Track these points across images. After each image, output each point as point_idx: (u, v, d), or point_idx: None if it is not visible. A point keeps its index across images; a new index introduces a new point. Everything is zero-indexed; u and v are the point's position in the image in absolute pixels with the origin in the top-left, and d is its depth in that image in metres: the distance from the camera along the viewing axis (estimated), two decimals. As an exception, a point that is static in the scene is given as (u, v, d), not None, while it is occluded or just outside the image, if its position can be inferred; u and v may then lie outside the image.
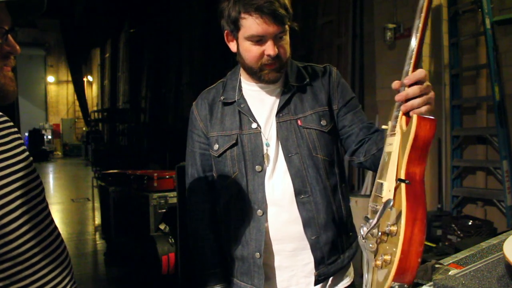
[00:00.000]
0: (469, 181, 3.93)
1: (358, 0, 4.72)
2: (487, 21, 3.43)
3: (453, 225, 3.52)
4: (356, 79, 4.74)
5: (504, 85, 3.52)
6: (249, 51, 1.15)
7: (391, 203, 0.78)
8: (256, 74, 1.18)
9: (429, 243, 3.66)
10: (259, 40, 1.12)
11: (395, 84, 0.89)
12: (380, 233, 0.83)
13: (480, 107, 3.81)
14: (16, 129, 0.86)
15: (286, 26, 1.15)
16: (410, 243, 0.75)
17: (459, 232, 3.47)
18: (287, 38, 1.17)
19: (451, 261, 0.96)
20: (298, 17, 5.35)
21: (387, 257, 0.78)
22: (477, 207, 3.80)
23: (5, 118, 0.85)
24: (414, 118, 0.80)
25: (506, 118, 3.48)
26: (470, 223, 3.48)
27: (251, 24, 1.10)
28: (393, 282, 0.77)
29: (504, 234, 1.19)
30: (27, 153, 0.87)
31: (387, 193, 0.84)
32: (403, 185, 0.79)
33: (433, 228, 3.76)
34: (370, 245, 0.85)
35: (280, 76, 1.19)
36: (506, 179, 3.41)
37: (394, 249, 0.77)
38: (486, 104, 3.74)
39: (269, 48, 1.12)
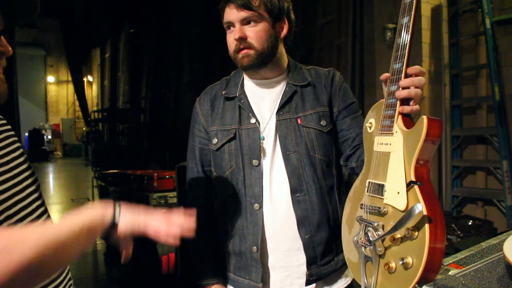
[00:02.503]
0: (469, 181, 3.93)
1: (358, 0, 4.71)
2: (487, 21, 3.43)
3: (453, 225, 3.52)
4: (356, 79, 4.74)
5: (504, 85, 3.52)
6: (227, 40, 1.21)
7: (421, 208, 0.77)
8: (236, 62, 1.22)
9: (429, 243, 3.65)
10: (229, 27, 1.20)
11: (384, 76, 0.92)
12: (392, 237, 0.82)
13: (480, 107, 3.81)
14: (9, 127, 0.86)
15: (260, 13, 1.16)
16: (434, 245, 0.75)
17: (459, 232, 3.47)
18: (261, 24, 1.17)
19: (451, 261, 0.96)
20: (298, 17, 5.35)
21: (409, 260, 0.77)
22: (477, 207, 3.80)
23: (2, 120, 0.85)
24: (424, 119, 0.80)
25: (506, 118, 3.48)
26: (470, 223, 3.48)
27: (224, 13, 1.19)
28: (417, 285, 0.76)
29: (504, 234, 1.19)
30: (21, 150, 0.87)
31: (395, 195, 0.83)
32: (416, 187, 0.79)
33: (433, 228, 3.76)
34: (379, 249, 0.84)
35: (257, 62, 1.19)
36: (506, 179, 3.41)
37: (413, 252, 0.77)
38: (486, 104, 3.74)
39: (235, 33, 1.18)
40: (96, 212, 0.76)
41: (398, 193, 0.82)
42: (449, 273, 0.87)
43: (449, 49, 3.91)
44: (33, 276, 0.62)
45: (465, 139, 3.91)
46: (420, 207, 0.77)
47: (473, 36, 3.78)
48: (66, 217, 0.71)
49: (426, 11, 3.90)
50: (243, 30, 1.16)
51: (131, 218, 0.81)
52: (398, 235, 0.80)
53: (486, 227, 3.47)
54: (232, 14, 1.16)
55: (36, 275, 0.63)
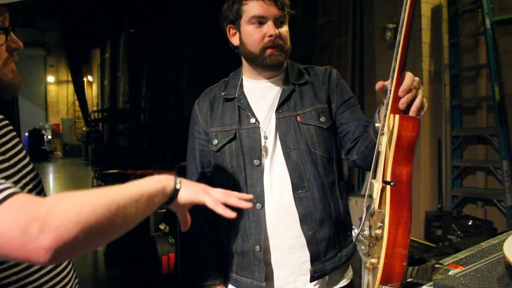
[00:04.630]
0: (469, 181, 3.93)
1: (358, 0, 4.71)
2: (487, 21, 3.43)
3: (453, 225, 3.52)
4: (356, 79, 4.74)
5: (504, 85, 3.52)
6: (251, 35, 1.18)
7: (371, 207, 0.77)
8: (258, 59, 1.20)
9: (429, 243, 3.65)
10: (260, 22, 1.17)
11: (379, 85, 0.89)
12: (370, 236, 0.82)
13: (480, 107, 3.81)
14: (12, 127, 0.87)
15: (286, 15, 1.19)
16: (393, 247, 0.74)
17: (459, 232, 3.47)
18: (286, 27, 1.20)
19: (451, 261, 0.96)
20: (298, 17, 5.35)
21: (374, 260, 0.78)
22: (477, 207, 3.80)
23: (1, 116, 0.86)
24: (396, 118, 0.79)
25: (506, 118, 3.48)
26: (470, 223, 3.48)
27: (252, 6, 1.16)
28: (381, 286, 0.76)
29: (504, 234, 1.19)
30: (25, 151, 0.87)
31: (375, 195, 0.83)
32: (388, 187, 0.78)
33: (433, 228, 3.76)
34: (362, 247, 0.84)
35: (282, 61, 1.21)
36: (506, 179, 3.41)
37: (377, 253, 0.77)
38: (486, 104, 3.74)
39: (270, 29, 1.16)
40: (158, 180, 0.79)
41: (377, 193, 0.82)
42: (449, 273, 0.87)
43: (449, 49, 3.91)
44: (93, 237, 0.63)
45: (465, 139, 3.91)
46: (371, 207, 0.78)
47: (473, 36, 3.78)
48: (128, 184, 0.73)
49: (426, 11, 3.90)
50: (277, 29, 1.17)
51: (192, 187, 0.85)
52: (373, 235, 0.80)
53: (486, 227, 3.47)
54: (268, 9, 1.15)
55: (96, 235, 0.63)
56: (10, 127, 0.86)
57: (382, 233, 0.76)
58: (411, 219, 0.77)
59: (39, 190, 0.87)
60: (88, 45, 16.03)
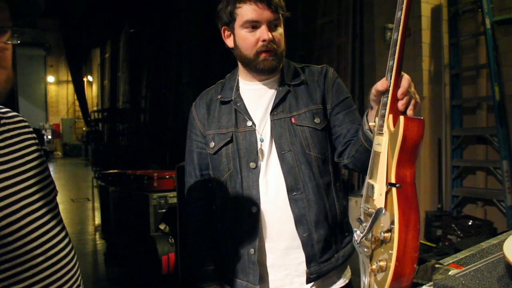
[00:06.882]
0: (469, 181, 3.93)
1: (358, 0, 4.72)
2: (487, 21, 3.43)
3: (453, 225, 3.52)
4: (356, 79, 4.74)
5: (504, 85, 3.52)
6: (245, 39, 1.18)
7: (383, 211, 0.76)
8: (252, 63, 1.20)
9: (429, 243, 3.66)
10: (253, 26, 1.16)
11: (386, 85, 0.86)
12: (374, 238, 0.81)
13: (480, 107, 3.81)
14: (30, 129, 0.87)
15: (281, 18, 1.19)
16: (404, 250, 0.74)
17: (459, 232, 3.47)
18: (281, 29, 1.20)
19: (451, 261, 0.96)
20: (298, 17, 5.35)
21: (383, 263, 0.77)
22: (477, 207, 3.80)
23: (20, 118, 0.85)
24: (401, 119, 0.78)
25: (506, 118, 3.48)
26: (470, 223, 3.48)
27: (246, 10, 1.16)
28: None
29: (504, 234, 1.19)
30: (38, 153, 0.87)
31: (378, 197, 0.82)
32: (394, 189, 0.77)
33: (433, 228, 3.76)
34: (365, 249, 0.83)
35: (276, 65, 1.20)
36: (506, 179, 3.41)
37: (388, 255, 0.76)
38: (486, 104, 3.74)
39: (263, 33, 1.15)
40: None
41: (381, 194, 0.81)
42: (449, 273, 0.87)
43: (449, 49, 3.91)
44: None
45: (465, 139, 3.91)
46: (382, 211, 0.76)
47: (473, 36, 3.78)
48: None
49: (426, 11, 3.90)
50: (271, 32, 1.17)
51: None
52: (378, 237, 0.79)
53: (486, 227, 3.47)
54: (262, 14, 1.15)
55: None
56: (29, 129, 0.86)
57: (391, 236, 0.75)
58: (419, 221, 0.76)
59: (47, 193, 0.86)
60: (88, 45, 16.02)
